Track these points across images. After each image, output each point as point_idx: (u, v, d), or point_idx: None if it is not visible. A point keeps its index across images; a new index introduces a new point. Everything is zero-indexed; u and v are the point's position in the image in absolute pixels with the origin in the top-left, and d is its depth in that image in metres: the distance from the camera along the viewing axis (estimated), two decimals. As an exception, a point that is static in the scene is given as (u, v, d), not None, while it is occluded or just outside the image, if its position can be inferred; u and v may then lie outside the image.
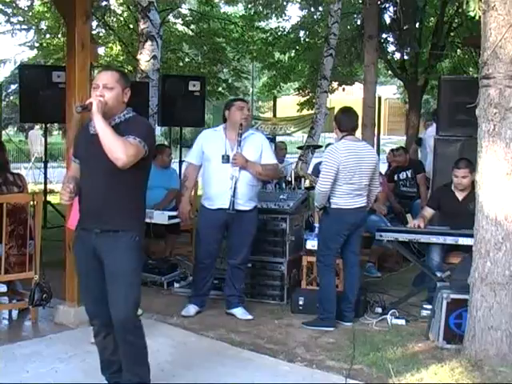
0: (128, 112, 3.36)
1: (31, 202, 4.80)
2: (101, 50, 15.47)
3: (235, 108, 5.10)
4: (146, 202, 3.47)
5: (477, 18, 4.14)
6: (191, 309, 5.16)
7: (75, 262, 3.50)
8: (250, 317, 5.16)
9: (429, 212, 5.74)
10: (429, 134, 9.68)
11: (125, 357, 3.35)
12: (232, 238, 5.20)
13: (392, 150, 8.78)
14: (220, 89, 16.04)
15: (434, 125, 9.44)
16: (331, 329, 4.85)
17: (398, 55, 13.56)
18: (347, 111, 5.16)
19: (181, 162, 9.45)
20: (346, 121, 5.06)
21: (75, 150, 3.49)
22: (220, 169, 5.01)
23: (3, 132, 13.39)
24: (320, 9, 14.72)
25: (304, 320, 5.02)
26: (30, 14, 14.18)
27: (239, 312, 5.21)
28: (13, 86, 16.60)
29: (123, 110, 3.33)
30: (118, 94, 3.29)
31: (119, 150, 3.10)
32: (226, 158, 5.01)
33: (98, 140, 3.16)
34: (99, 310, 3.36)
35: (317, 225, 5.85)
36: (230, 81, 16.71)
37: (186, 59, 15.84)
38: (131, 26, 14.24)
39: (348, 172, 4.87)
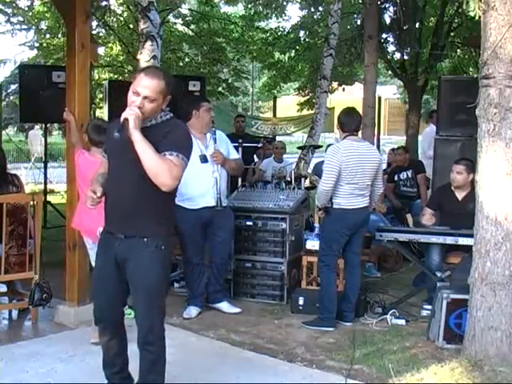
0: (166, 114, 3.13)
1: (31, 202, 4.80)
2: (101, 50, 15.46)
3: (205, 109, 5.19)
4: (173, 207, 3.31)
5: (477, 18, 4.14)
6: (192, 310, 5.17)
7: (95, 263, 3.38)
8: (237, 309, 5.26)
9: (429, 212, 5.74)
10: (425, 134, 9.72)
11: (141, 363, 3.26)
12: (216, 234, 5.24)
13: (393, 150, 8.78)
14: (220, 89, 16.02)
15: (431, 126, 9.50)
16: (331, 329, 4.85)
17: (398, 55, 13.56)
18: (350, 112, 5.16)
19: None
20: (349, 121, 5.07)
21: (105, 146, 3.35)
22: (199, 169, 5.03)
23: (3, 132, 13.38)
24: (320, 9, 14.72)
25: (304, 320, 5.01)
26: (30, 14, 14.16)
27: (225, 306, 5.29)
28: (13, 86, 16.56)
29: (160, 112, 3.11)
30: (158, 106, 3.05)
31: (165, 174, 2.89)
32: (203, 158, 5.09)
33: (128, 140, 2.95)
34: (108, 314, 3.31)
35: (317, 225, 5.86)
36: (230, 81, 16.70)
37: (186, 59, 15.82)
38: (131, 26, 14.23)
39: (350, 172, 4.87)
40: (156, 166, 2.90)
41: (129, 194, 3.08)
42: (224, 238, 5.30)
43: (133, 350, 3.31)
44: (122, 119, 2.97)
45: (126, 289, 3.23)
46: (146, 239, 3.09)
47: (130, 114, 2.94)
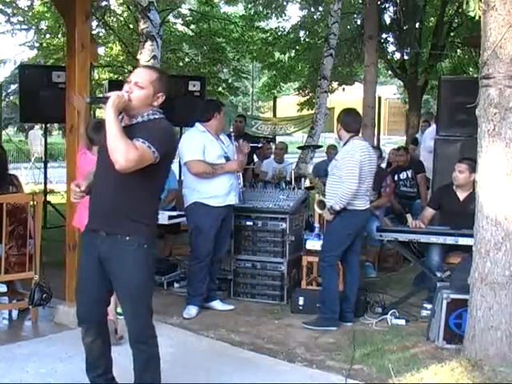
0: (154, 113, 3.13)
1: (31, 202, 4.80)
2: (101, 50, 15.47)
3: (224, 113, 5.39)
4: (158, 206, 3.27)
5: (477, 18, 4.14)
6: (192, 310, 5.17)
7: (78, 262, 3.36)
8: (230, 306, 5.32)
9: (430, 212, 5.74)
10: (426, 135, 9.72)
11: (135, 364, 3.25)
12: (222, 232, 5.29)
13: (394, 150, 8.77)
14: (220, 89, 16.03)
15: (433, 126, 9.50)
16: (334, 328, 4.85)
17: (398, 55, 13.58)
18: (352, 112, 5.16)
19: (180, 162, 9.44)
20: (353, 122, 5.06)
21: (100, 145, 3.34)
22: None
23: (3, 132, 13.39)
24: (320, 9, 14.74)
25: (304, 320, 5.01)
26: (30, 14, 14.17)
27: (218, 304, 5.34)
28: (13, 86, 16.57)
29: (148, 110, 3.11)
30: (146, 96, 3.08)
31: (120, 152, 2.88)
32: (227, 158, 5.26)
33: None
34: (91, 314, 3.28)
35: (317, 225, 5.86)
36: (230, 81, 16.71)
37: (186, 59, 15.83)
38: (131, 26, 14.23)
39: (363, 172, 4.88)
40: (115, 142, 2.91)
41: (112, 192, 3.07)
42: (225, 237, 5.39)
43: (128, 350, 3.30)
44: (107, 94, 3.05)
45: (110, 288, 3.22)
46: (128, 237, 3.07)
47: (114, 94, 3.00)
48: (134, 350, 3.22)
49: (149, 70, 3.18)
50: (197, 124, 5.29)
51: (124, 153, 2.88)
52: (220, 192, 5.20)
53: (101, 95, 3.13)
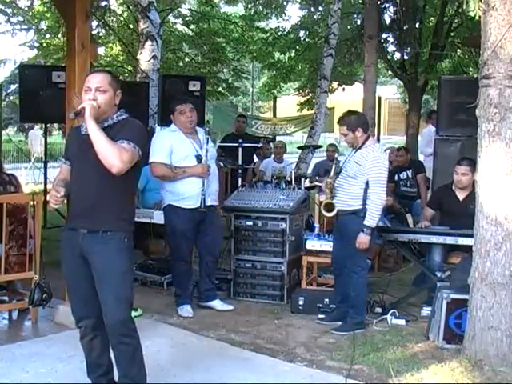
0: (121, 114, 3.30)
1: (31, 202, 4.80)
2: (101, 50, 15.48)
3: (178, 112, 5.24)
4: (134, 203, 3.42)
5: (477, 18, 4.14)
6: (188, 308, 5.18)
7: (62, 262, 3.39)
8: (230, 307, 5.30)
9: (430, 212, 5.74)
10: (423, 134, 9.73)
11: (119, 359, 3.29)
12: (207, 233, 5.26)
13: (394, 150, 8.76)
14: (220, 89, 16.04)
15: (429, 126, 9.52)
16: (363, 330, 4.82)
17: (398, 55, 13.58)
18: (358, 112, 5.15)
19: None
20: (367, 121, 5.03)
21: (66, 152, 3.47)
22: None
23: (3, 132, 13.38)
24: (320, 9, 14.75)
25: (332, 327, 4.85)
26: (30, 14, 14.19)
27: (218, 304, 5.32)
28: (13, 86, 16.59)
29: (115, 112, 3.28)
30: (110, 97, 3.24)
31: (114, 156, 3.05)
32: (199, 158, 5.16)
33: (89, 140, 3.11)
34: (86, 312, 3.32)
35: (317, 225, 5.85)
36: (230, 81, 16.72)
37: (186, 59, 15.85)
38: (131, 26, 14.25)
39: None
40: (106, 148, 3.07)
41: (91, 191, 3.20)
42: (215, 236, 5.32)
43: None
44: (78, 108, 3.19)
45: None
46: (108, 233, 3.20)
47: (88, 104, 3.15)
48: (118, 345, 3.26)
49: (102, 74, 3.31)
50: (172, 124, 5.30)
51: (118, 156, 3.06)
52: (190, 193, 5.10)
53: (76, 110, 3.22)
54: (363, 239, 4.73)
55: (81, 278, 3.27)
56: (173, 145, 5.14)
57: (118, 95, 3.30)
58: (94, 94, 3.19)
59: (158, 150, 5.10)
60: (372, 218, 4.72)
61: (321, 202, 5.38)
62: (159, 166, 5.12)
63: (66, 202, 3.33)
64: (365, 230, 4.71)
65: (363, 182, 4.77)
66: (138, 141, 3.17)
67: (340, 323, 4.89)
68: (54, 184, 3.34)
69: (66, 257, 3.34)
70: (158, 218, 5.90)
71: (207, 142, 5.23)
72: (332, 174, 5.01)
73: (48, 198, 3.28)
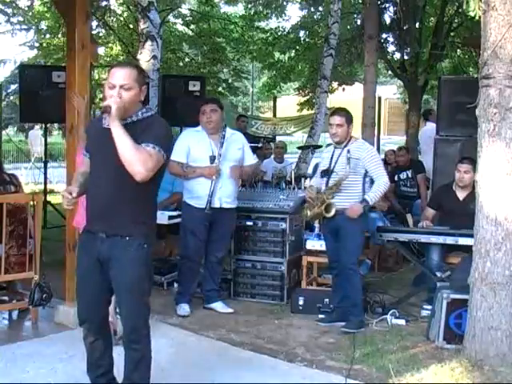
0: (147, 111, 3.12)
1: (31, 202, 4.80)
2: (101, 50, 15.47)
3: (201, 112, 5.28)
4: (156, 205, 3.27)
5: (477, 18, 4.14)
6: (186, 307, 5.19)
7: (77, 263, 3.36)
8: (230, 310, 5.29)
9: (430, 212, 5.75)
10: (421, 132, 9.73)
11: (126, 362, 3.26)
12: (214, 233, 5.27)
13: (393, 151, 8.76)
14: (220, 89, 16.03)
15: (426, 125, 9.52)
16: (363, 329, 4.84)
17: (398, 55, 13.56)
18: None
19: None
20: None
21: (87, 144, 3.31)
22: None
23: (3, 132, 13.38)
24: (320, 9, 14.73)
25: (343, 327, 4.83)
26: (30, 14, 14.17)
27: (219, 306, 5.32)
28: (13, 86, 16.56)
29: (141, 109, 3.10)
30: (136, 95, 3.05)
31: (139, 164, 2.88)
32: (212, 159, 5.16)
33: (110, 135, 2.95)
34: (91, 315, 3.29)
35: (317, 225, 5.84)
36: (230, 81, 16.71)
37: (186, 59, 15.84)
38: (131, 26, 14.24)
39: None
40: (131, 154, 2.90)
41: (110, 193, 3.06)
42: (220, 238, 5.31)
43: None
44: (104, 104, 2.98)
45: (110, 288, 3.22)
46: (128, 238, 3.08)
47: (114, 102, 2.96)
48: (128, 349, 3.23)
49: (128, 68, 3.08)
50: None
51: (144, 164, 2.90)
52: (199, 193, 5.15)
53: (103, 105, 3.06)
54: (356, 208, 4.81)
55: (92, 282, 3.21)
56: (190, 144, 5.22)
57: (144, 91, 3.10)
58: (118, 91, 2.99)
59: (175, 149, 5.12)
60: (374, 197, 4.86)
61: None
62: (172, 164, 5.11)
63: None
64: (363, 202, 4.82)
65: (361, 174, 4.87)
66: (163, 143, 3.01)
67: (340, 323, 4.89)
68: (73, 179, 3.24)
69: (81, 259, 3.28)
70: (159, 218, 5.89)
71: (221, 146, 5.19)
72: (324, 188, 4.98)
73: (61, 199, 3.17)
